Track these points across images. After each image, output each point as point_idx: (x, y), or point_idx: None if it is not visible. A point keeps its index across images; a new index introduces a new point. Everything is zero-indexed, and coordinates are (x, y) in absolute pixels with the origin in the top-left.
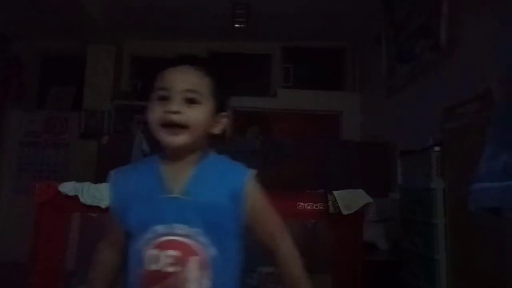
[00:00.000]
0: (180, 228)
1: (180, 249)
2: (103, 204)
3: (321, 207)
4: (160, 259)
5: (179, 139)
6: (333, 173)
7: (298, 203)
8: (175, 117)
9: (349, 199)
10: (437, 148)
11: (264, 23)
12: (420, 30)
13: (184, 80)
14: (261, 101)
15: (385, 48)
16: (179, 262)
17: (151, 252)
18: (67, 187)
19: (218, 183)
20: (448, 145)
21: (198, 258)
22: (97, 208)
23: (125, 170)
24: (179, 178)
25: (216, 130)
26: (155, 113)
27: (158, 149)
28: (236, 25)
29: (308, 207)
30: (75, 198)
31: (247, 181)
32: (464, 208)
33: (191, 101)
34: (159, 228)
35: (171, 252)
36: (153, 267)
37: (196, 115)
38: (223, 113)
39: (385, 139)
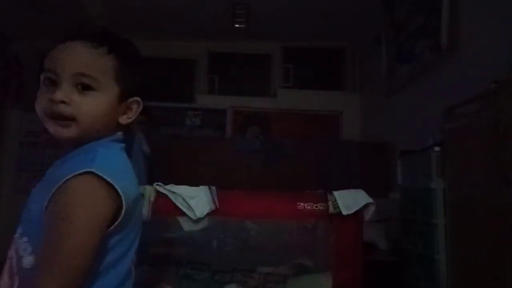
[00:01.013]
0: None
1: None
2: None
3: (321, 207)
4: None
5: (65, 132)
6: (333, 173)
7: (298, 203)
8: (60, 108)
9: (349, 199)
10: (437, 148)
11: (264, 23)
12: (420, 30)
13: (75, 61)
14: (261, 101)
15: (385, 48)
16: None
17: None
18: None
19: (57, 173)
20: (448, 145)
21: (12, 261)
22: None
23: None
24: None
25: (124, 119)
26: (40, 100)
27: (158, 149)
28: (236, 25)
29: (308, 207)
30: None
31: (61, 182)
32: (464, 208)
33: (85, 87)
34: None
35: (11, 253)
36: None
37: (89, 105)
38: (133, 99)
39: (385, 139)
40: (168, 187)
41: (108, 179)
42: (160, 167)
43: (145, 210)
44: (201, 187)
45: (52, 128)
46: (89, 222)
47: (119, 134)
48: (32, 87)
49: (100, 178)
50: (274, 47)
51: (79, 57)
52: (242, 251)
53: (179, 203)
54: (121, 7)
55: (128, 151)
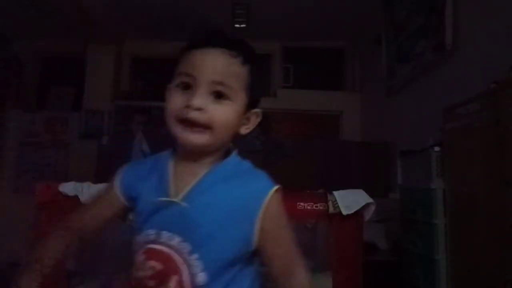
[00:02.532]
0: (169, 238)
1: (163, 262)
2: None
3: (321, 207)
4: (143, 268)
5: (198, 139)
6: (333, 173)
7: (298, 203)
8: (196, 115)
9: (349, 199)
10: (437, 148)
11: (264, 23)
12: (420, 30)
13: (214, 69)
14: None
15: (385, 48)
16: (159, 277)
17: (139, 257)
18: (67, 187)
19: (229, 194)
20: (448, 145)
21: (181, 277)
22: None
23: (135, 163)
24: (188, 180)
25: (244, 130)
26: (173, 104)
27: (158, 149)
28: (236, 25)
29: (308, 207)
30: (75, 198)
31: (267, 198)
32: (464, 208)
33: (219, 95)
34: (150, 232)
35: (153, 263)
36: (138, 275)
37: (224, 114)
38: (255, 110)
39: (385, 139)
40: None
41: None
42: None
43: None
44: None
45: (182, 133)
46: None
47: (231, 146)
48: (32, 87)
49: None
50: (274, 47)
51: (218, 66)
52: None
53: None
54: (121, 7)
55: (129, 151)
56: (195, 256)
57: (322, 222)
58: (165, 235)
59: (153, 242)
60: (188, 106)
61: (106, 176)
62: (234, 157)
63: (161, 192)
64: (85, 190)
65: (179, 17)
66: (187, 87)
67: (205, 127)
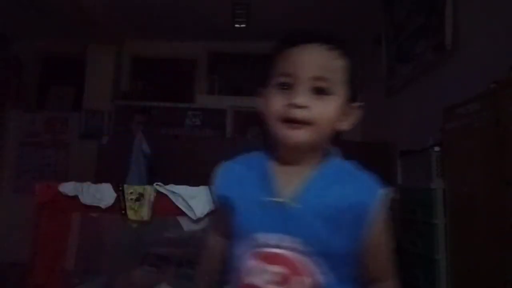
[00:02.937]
0: (286, 240)
1: (286, 265)
2: (103, 204)
3: None
4: (260, 273)
5: (301, 136)
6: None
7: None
8: (299, 113)
9: None
10: (437, 148)
11: (264, 23)
12: (420, 30)
13: (313, 64)
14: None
15: (385, 48)
16: (283, 281)
17: (250, 263)
18: (67, 187)
19: (339, 194)
20: (448, 145)
21: (305, 280)
22: (97, 208)
23: (231, 163)
24: (292, 181)
25: (345, 125)
26: (275, 105)
27: (158, 149)
28: (236, 25)
29: None
30: (75, 198)
31: (377, 200)
32: (464, 208)
33: (320, 91)
34: (260, 236)
35: (275, 268)
36: (252, 280)
37: (326, 110)
38: (356, 104)
39: (385, 139)
40: (168, 187)
41: None
42: (160, 167)
43: (145, 210)
44: (201, 187)
45: (284, 131)
46: None
47: (334, 149)
48: (32, 87)
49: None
50: None
51: (318, 61)
52: None
53: (179, 203)
54: (121, 7)
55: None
56: (314, 258)
57: None
58: (280, 237)
59: (269, 245)
60: (290, 105)
61: (106, 176)
62: (336, 156)
63: (266, 192)
64: (85, 190)
65: (179, 17)
66: (287, 86)
67: (308, 124)
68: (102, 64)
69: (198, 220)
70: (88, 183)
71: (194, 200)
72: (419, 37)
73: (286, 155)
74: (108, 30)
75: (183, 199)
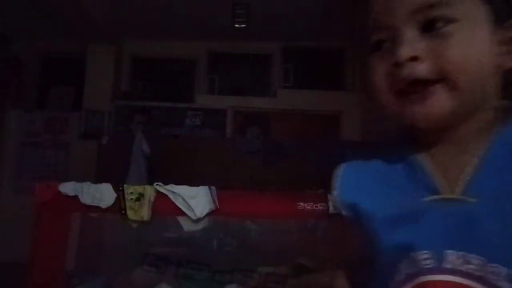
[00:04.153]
0: (463, 259)
1: None
2: (103, 204)
3: (321, 207)
4: None
5: (433, 107)
6: (333, 173)
7: (298, 203)
8: (410, 70)
9: None
10: None
11: (264, 23)
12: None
13: None
14: (261, 101)
15: None
16: None
17: None
18: (67, 187)
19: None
20: None
21: None
22: (97, 208)
23: (359, 163)
24: (453, 169)
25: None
26: (377, 75)
27: (158, 149)
28: (236, 25)
29: (308, 207)
30: (75, 198)
31: None
32: None
33: (434, 25)
34: (423, 256)
35: None
36: None
37: (456, 46)
38: None
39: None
40: (168, 187)
41: None
42: (160, 167)
43: (145, 210)
44: (201, 187)
45: (404, 109)
46: None
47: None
48: (32, 87)
49: None
50: (274, 47)
51: None
52: (242, 251)
53: (179, 203)
54: (121, 7)
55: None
56: (494, 265)
57: (322, 222)
58: (456, 255)
59: (433, 271)
60: (395, 65)
61: (106, 176)
62: None
63: (420, 190)
64: (85, 190)
65: (179, 17)
66: (386, 43)
67: (434, 82)
68: (102, 64)
69: (198, 220)
70: (88, 183)
71: (194, 200)
72: None
73: (431, 136)
74: (108, 30)
75: (183, 199)
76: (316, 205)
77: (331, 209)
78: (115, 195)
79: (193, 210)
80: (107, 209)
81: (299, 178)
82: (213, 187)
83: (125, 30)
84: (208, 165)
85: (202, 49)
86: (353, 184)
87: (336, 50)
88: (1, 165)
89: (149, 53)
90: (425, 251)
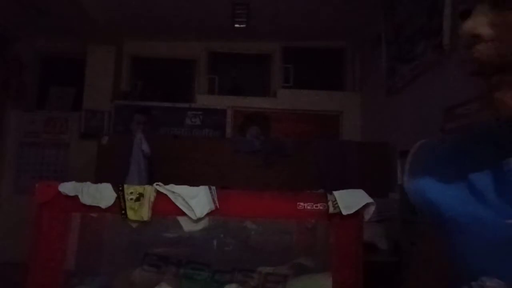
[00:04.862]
0: None
1: None
2: (103, 204)
3: (321, 207)
4: None
5: (507, 95)
6: (333, 173)
7: (298, 203)
8: (477, 52)
9: (349, 199)
10: None
11: (264, 23)
12: (421, 30)
13: None
14: (261, 101)
15: (385, 48)
16: None
17: None
18: (67, 187)
19: None
20: None
21: None
22: (97, 208)
23: (433, 142)
24: None
25: None
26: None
27: (158, 149)
28: (236, 25)
29: (308, 207)
30: (75, 198)
31: None
32: None
33: None
34: (491, 285)
35: None
36: None
37: None
38: None
39: (385, 139)
40: (168, 187)
41: None
42: (160, 167)
43: (145, 210)
44: (201, 187)
45: (491, 98)
46: None
47: None
48: (32, 87)
49: None
50: (274, 47)
51: None
52: (242, 251)
53: (179, 203)
54: (121, 8)
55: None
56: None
57: (322, 222)
58: None
59: None
60: (468, 42)
61: (106, 176)
62: None
63: (507, 209)
64: (85, 190)
65: (179, 17)
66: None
67: (509, 68)
68: (102, 64)
69: (198, 220)
70: (88, 183)
71: (194, 200)
72: (419, 37)
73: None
74: (108, 30)
75: (183, 199)
76: (316, 205)
77: (331, 209)
78: (115, 195)
79: (193, 210)
80: (107, 209)
81: (299, 178)
82: (213, 187)
83: (125, 30)
84: (208, 165)
85: (202, 49)
86: (439, 177)
87: (336, 50)
88: (1, 165)
89: (149, 53)
90: (494, 279)
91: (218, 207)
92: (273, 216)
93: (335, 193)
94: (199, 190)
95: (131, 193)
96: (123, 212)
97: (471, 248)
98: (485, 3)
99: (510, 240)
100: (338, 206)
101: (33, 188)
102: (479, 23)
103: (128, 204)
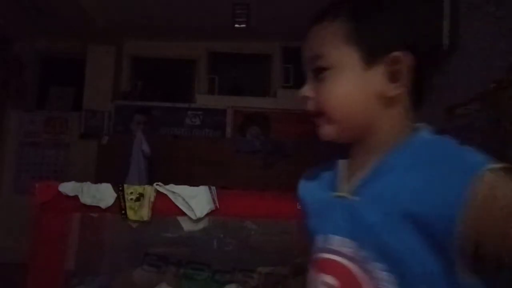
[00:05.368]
0: (341, 243)
1: (338, 276)
2: (103, 204)
3: None
4: (315, 284)
5: (323, 132)
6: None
7: (298, 203)
8: (308, 106)
9: None
10: None
11: (264, 23)
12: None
13: (307, 46)
14: (261, 101)
15: None
16: None
17: (310, 274)
18: (67, 187)
19: (415, 182)
20: None
21: None
22: (97, 208)
23: (312, 170)
24: (357, 174)
25: (391, 90)
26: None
27: (158, 149)
28: (236, 25)
29: None
30: (75, 198)
31: (475, 183)
32: None
33: (319, 71)
34: (319, 238)
35: (326, 278)
36: None
37: (327, 88)
38: (392, 55)
39: None
40: (168, 187)
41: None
42: (160, 167)
43: (145, 210)
44: (201, 187)
45: (316, 129)
46: None
47: (423, 125)
48: (32, 87)
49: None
50: (274, 47)
51: (308, 42)
52: (242, 251)
53: (179, 203)
54: (121, 8)
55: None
56: (379, 266)
57: None
58: (334, 239)
59: (323, 250)
60: (302, 100)
61: (106, 176)
62: (421, 136)
63: (330, 188)
64: (85, 190)
65: (179, 17)
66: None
67: (321, 114)
68: (102, 64)
69: (198, 220)
70: (88, 183)
71: (194, 200)
72: None
73: (351, 147)
74: (108, 30)
75: (183, 199)
76: None
77: None
78: (115, 195)
79: (193, 210)
80: (107, 209)
81: (299, 178)
82: (213, 187)
83: (125, 30)
84: (208, 165)
85: (202, 49)
86: (304, 183)
87: None
88: (1, 165)
89: (149, 53)
90: (320, 235)
91: (218, 207)
92: (273, 216)
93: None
94: (199, 190)
95: (131, 193)
96: (123, 212)
97: (313, 215)
98: (311, 75)
99: (325, 205)
100: None
101: (33, 188)
102: (308, 88)
103: (128, 204)
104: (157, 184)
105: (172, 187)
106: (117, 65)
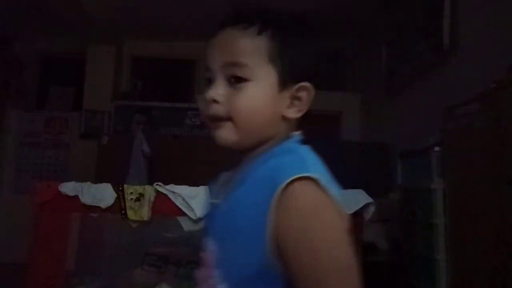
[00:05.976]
0: (208, 242)
1: (204, 270)
2: (103, 204)
3: None
4: (200, 280)
5: (224, 135)
6: (333, 173)
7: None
8: (214, 109)
9: (349, 199)
10: (437, 148)
11: None
12: (420, 30)
13: (223, 50)
14: None
15: (385, 48)
16: (201, 284)
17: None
18: (67, 187)
19: (245, 190)
20: (448, 145)
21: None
22: (97, 208)
23: (220, 174)
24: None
25: (293, 112)
26: (200, 104)
27: (158, 149)
28: None
29: None
30: (75, 198)
31: (279, 191)
32: (464, 208)
33: (237, 79)
34: (204, 240)
35: (199, 272)
36: None
37: (243, 99)
38: (301, 85)
39: (385, 139)
40: (168, 187)
41: (325, 187)
42: (160, 167)
43: (145, 210)
44: (201, 187)
45: (212, 132)
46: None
47: (297, 134)
48: (32, 87)
49: (318, 184)
50: None
51: (227, 45)
52: None
53: (179, 203)
54: (121, 8)
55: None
56: (216, 264)
57: None
58: (207, 240)
59: (206, 250)
60: (206, 101)
61: (106, 176)
62: (283, 145)
63: (216, 195)
64: (85, 190)
65: (178, 17)
66: (210, 81)
67: (228, 119)
68: (102, 64)
69: (198, 220)
70: (88, 183)
71: (194, 200)
72: (419, 37)
73: (241, 156)
74: (108, 30)
75: (183, 199)
76: None
77: None
78: (115, 195)
79: (193, 210)
80: (107, 209)
81: None
82: None
83: (125, 30)
84: (208, 165)
85: (202, 49)
86: (212, 187)
87: (336, 50)
88: (1, 165)
89: (149, 53)
90: (205, 237)
91: None
92: None
93: None
94: (199, 190)
95: (131, 193)
96: (123, 212)
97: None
98: (223, 80)
99: (211, 209)
100: None
101: (33, 188)
102: (218, 93)
103: (128, 204)
104: (157, 184)
105: (172, 187)
106: (117, 65)
